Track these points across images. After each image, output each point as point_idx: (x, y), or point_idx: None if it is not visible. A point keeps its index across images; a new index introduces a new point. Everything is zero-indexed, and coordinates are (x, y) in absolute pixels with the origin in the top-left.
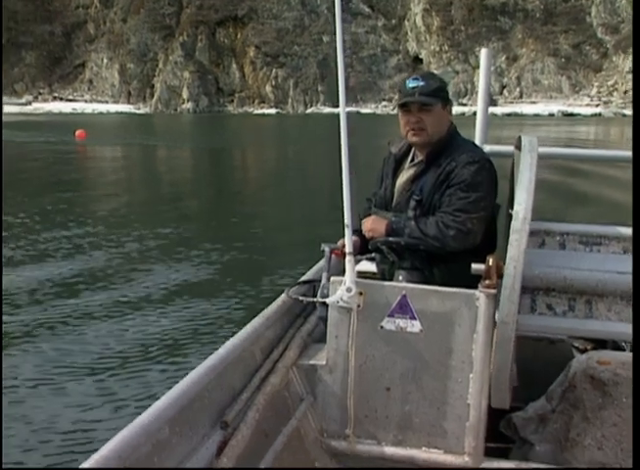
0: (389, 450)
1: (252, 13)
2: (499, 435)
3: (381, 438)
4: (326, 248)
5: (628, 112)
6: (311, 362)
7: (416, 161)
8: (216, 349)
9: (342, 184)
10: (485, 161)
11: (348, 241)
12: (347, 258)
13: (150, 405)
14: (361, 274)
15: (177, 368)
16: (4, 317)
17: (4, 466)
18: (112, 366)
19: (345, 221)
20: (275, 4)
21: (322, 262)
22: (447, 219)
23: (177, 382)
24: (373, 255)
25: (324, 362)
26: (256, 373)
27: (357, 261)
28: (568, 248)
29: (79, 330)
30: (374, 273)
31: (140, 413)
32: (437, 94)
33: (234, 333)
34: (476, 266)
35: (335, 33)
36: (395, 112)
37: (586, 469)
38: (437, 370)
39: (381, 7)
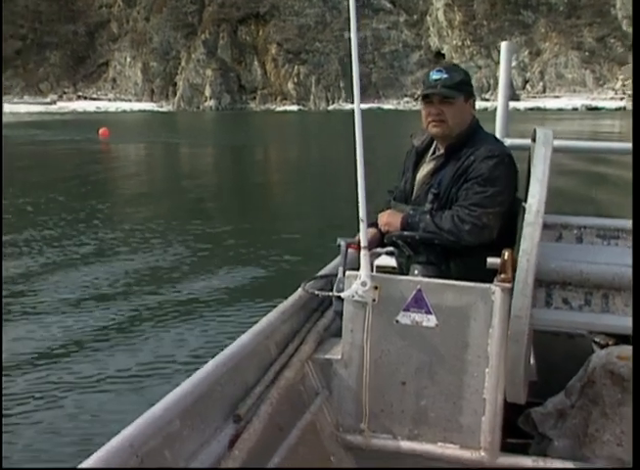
0: (405, 445)
1: (274, 10)
2: (518, 430)
3: (396, 432)
4: (342, 242)
5: None
6: (327, 356)
7: (437, 154)
8: (231, 343)
9: (356, 179)
10: (505, 155)
11: (363, 235)
12: (362, 252)
13: (162, 398)
14: (380, 269)
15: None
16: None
17: (4, 466)
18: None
19: (360, 215)
20: (297, 1)
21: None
22: (463, 213)
23: (190, 375)
24: (392, 249)
25: (339, 357)
26: (271, 367)
27: (377, 256)
28: (585, 241)
29: (132, 336)
30: (393, 267)
31: (152, 405)
32: (460, 87)
33: (249, 327)
34: (491, 260)
35: (350, 30)
36: (418, 107)
37: (599, 469)
38: (453, 365)
39: (402, 2)
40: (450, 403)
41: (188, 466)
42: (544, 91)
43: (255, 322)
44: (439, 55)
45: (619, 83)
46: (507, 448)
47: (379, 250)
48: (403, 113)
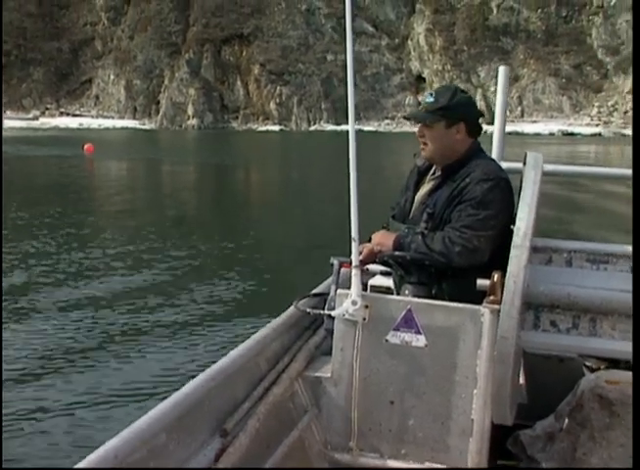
0: (392, 464)
1: (258, 31)
2: (507, 452)
3: (384, 451)
4: (335, 261)
5: (628, 132)
6: (316, 374)
7: (435, 175)
8: (221, 357)
9: (349, 198)
10: (500, 179)
11: (355, 254)
12: (353, 271)
13: (149, 410)
14: (375, 288)
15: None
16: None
17: (4, 466)
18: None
19: (352, 235)
20: (280, 23)
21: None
22: (454, 235)
23: (178, 388)
24: (387, 269)
25: (329, 375)
26: (260, 383)
27: (371, 275)
28: (574, 265)
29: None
30: (387, 288)
31: (139, 417)
32: (441, 112)
33: (240, 343)
34: (481, 282)
35: (345, 52)
36: (398, 129)
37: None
38: (442, 385)
39: (384, 26)
40: (438, 424)
41: None
42: (522, 116)
43: (246, 338)
44: (420, 78)
45: (595, 110)
46: None
47: (373, 269)
48: (383, 135)
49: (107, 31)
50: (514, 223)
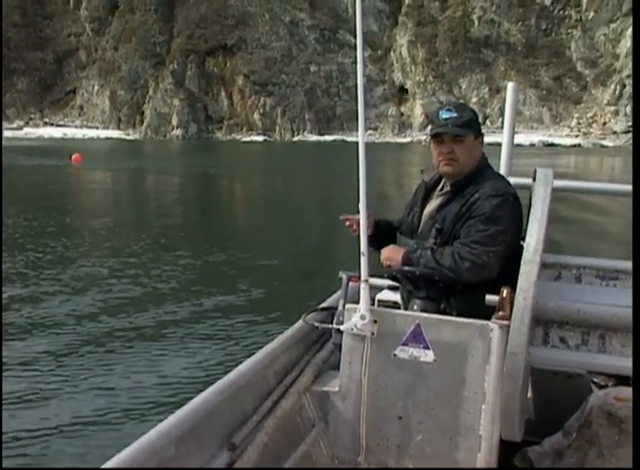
0: None
1: (242, 42)
2: (515, 469)
3: (392, 467)
4: (343, 275)
5: (607, 143)
6: (324, 389)
7: (444, 190)
8: (229, 371)
9: (358, 211)
10: (509, 195)
11: (364, 269)
12: (362, 285)
13: (158, 423)
14: (382, 303)
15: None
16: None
17: (4, 466)
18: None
19: (361, 249)
20: (264, 34)
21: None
22: (463, 251)
23: (187, 402)
24: (395, 283)
25: (337, 389)
26: (269, 397)
27: (379, 290)
28: (584, 281)
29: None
30: (395, 302)
31: (146, 431)
32: (470, 125)
33: (248, 356)
34: (490, 298)
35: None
36: (381, 140)
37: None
38: (450, 400)
39: (367, 38)
40: (446, 439)
41: None
42: (503, 127)
43: (255, 352)
44: (403, 90)
45: (575, 121)
46: None
47: (381, 283)
48: (367, 145)
49: (91, 42)
50: (522, 239)
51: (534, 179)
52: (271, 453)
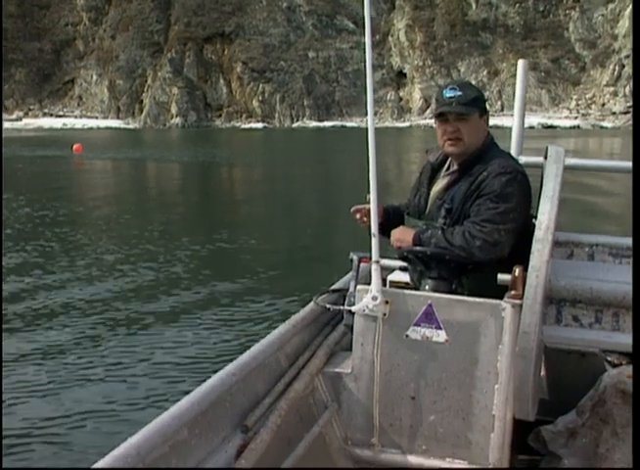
0: (414, 460)
1: (239, 29)
2: (528, 448)
3: (405, 447)
4: (354, 256)
5: (605, 124)
6: (337, 370)
7: (451, 170)
8: (240, 354)
9: (369, 194)
10: (518, 172)
11: (375, 250)
12: (373, 266)
13: (170, 406)
14: (394, 284)
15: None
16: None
17: (4, 466)
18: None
19: (372, 230)
20: (261, 21)
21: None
22: (474, 230)
23: (199, 384)
24: (406, 264)
25: (349, 370)
26: (281, 379)
27: (390, 271)
28: (596, 259)
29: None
30: (406, 283)
31: (159, 414)
32: (475, 104)
33: (260, 338)
34: (502, 277)
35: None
36: (381, 124)
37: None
38: (463, 380)
39: (365, 23)
40: (459, 419)
41: None
42: (502, 110)
43: (267, 334)
44: (401, 74)
45: (574, 103)
46: (516, 466)
47: (392, 264)
48: (366, 130)
49: (88, 31)
50: (532, 217)
51: (546, 157)
52: (284, 435)
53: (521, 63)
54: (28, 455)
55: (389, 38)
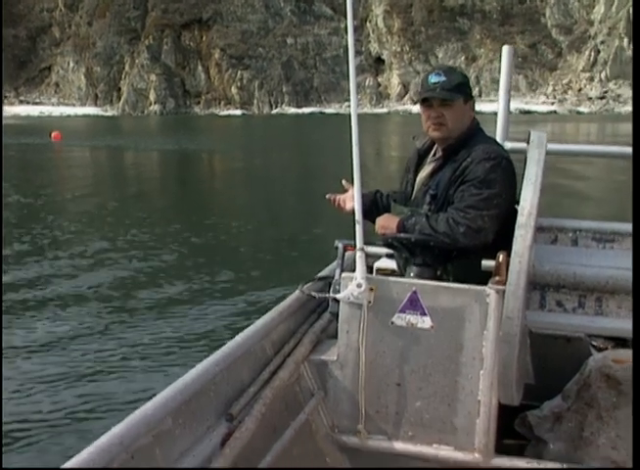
0: (400, 446)
1: (217, 16)
2: (514, 433)
3: (391, 434)
4: (339, 244)
5: (582, 109)
6: (322, 357)
7: (437, 156)
8: (225, 343)
9: (352, 180)
10: (502, 158)
11: (359, 237)
12: (358, 253)
13: (154, 396)
14: (381, 271)
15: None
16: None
17: (4, 466)
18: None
19: (356, 217)
20: (239, 7)
21: (337, 259)
22: (457, 216)
23: (184, 374)
24: (392, 252)
25: (335, 358)
26: (266, 367)
27: (376, 258)
28: (580, 244)
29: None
30: (393, 270)
31: (143, 404)
32: (459, 89)
33: (244, 327)
34: (486, 263)
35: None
36: (359, 111)
37: (593, 469)
38: (448, 366)
39: (343, 9)
40: (445, 405)
41: (178, 464)
42: (480, 95)
43: (252, 322)
44: (379, 60)
45: (550, 88)
46: (502, 451)
47: (378, 251)
48: (344, 117)
49: (64, 18)
50: (517, 203)
51: (528, 142)
52: (269, 423)
53: (505, 48)
54: (26, 449)
55: (367, 24)
